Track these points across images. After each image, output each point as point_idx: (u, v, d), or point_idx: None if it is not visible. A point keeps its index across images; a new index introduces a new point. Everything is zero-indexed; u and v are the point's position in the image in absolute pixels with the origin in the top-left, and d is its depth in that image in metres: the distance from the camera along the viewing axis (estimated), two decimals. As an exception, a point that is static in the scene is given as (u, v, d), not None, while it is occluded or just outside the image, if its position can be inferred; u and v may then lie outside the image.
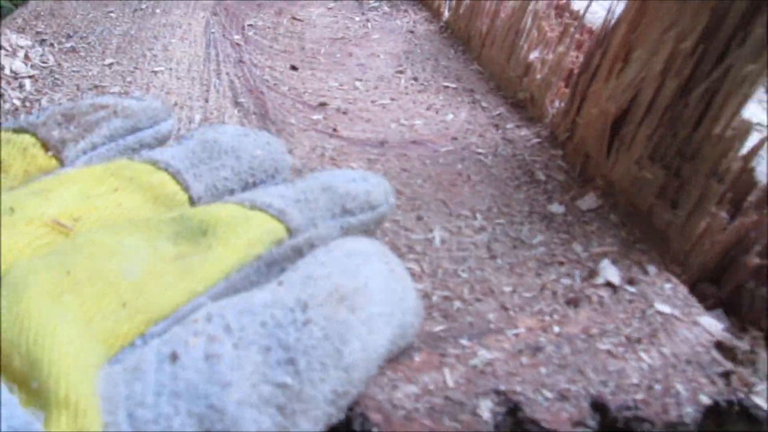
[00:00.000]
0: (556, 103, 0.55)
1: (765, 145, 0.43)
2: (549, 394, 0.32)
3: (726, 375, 0.35)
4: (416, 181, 0.47)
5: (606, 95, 0.45)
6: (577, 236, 0.43)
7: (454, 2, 0.74)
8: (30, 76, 0.56)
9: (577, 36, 0.56)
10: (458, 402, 0.31)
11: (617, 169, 0.45)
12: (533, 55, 0.58)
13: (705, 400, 0.34)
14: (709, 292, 0.43)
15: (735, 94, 0.37)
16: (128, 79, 0.59)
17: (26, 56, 0.59)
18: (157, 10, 0.76)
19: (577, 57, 0.56)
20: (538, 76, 0.57)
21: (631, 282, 0.40)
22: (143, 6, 0.77)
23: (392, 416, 0.30)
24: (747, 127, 0.38)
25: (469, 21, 0.70)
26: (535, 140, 0.54)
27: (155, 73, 0.60)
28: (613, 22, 0.46)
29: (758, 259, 0.41)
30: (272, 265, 0.31)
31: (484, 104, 0.60)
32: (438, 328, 0.35)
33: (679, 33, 0.39)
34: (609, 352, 0.35)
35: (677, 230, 0.42)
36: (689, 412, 0.33)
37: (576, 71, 0.51)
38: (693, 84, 0.39)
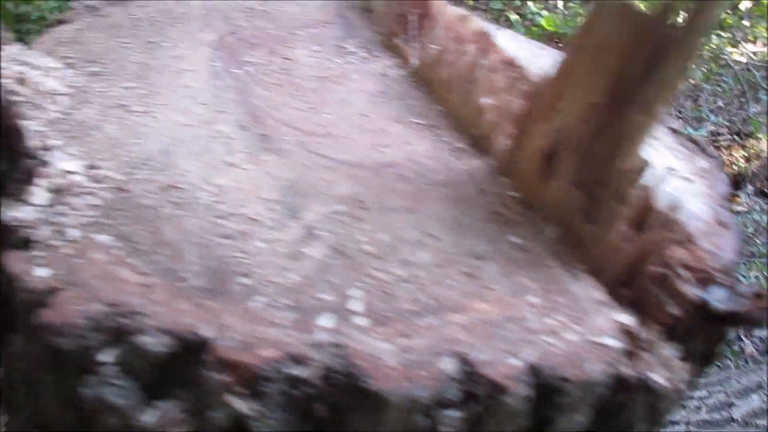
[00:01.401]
0: (503, 140, 0.63)
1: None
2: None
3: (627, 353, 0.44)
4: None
5: (540, 135, 0.54)
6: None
7: (420, 52, 0.83)
8: (64, 94, 0.62)
9: (519, 86, 0.65)
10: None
11: (550, 192, 0.54)
12: (484, 100, 0.67)
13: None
14: (624, 294, 0.52)
15: (632, 139, 0.47)
16: (148, 100, 0.66)
17: (58, 77, 0.64)
18: (165, 44, 0.82)
19: (520, 103, 0.65)
20: (489, 117, 0.65)
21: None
22: (152, 39, 0.83)
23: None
24: (642, 165, 0.47)
25: (433, 69, 0.79)
26: (486, 169, 0.63)
27: (172, 95, 0.67)
28: (546, 78, 0.55)
29: (655, 268, 0.50)
30: None
31: (445, 138, 0.68)
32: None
33: (591, 91, 0.48)
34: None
35: (594, 242, 0.50)
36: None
37: (519, 115, 0.60)
38: (603, 129, 0.48)
